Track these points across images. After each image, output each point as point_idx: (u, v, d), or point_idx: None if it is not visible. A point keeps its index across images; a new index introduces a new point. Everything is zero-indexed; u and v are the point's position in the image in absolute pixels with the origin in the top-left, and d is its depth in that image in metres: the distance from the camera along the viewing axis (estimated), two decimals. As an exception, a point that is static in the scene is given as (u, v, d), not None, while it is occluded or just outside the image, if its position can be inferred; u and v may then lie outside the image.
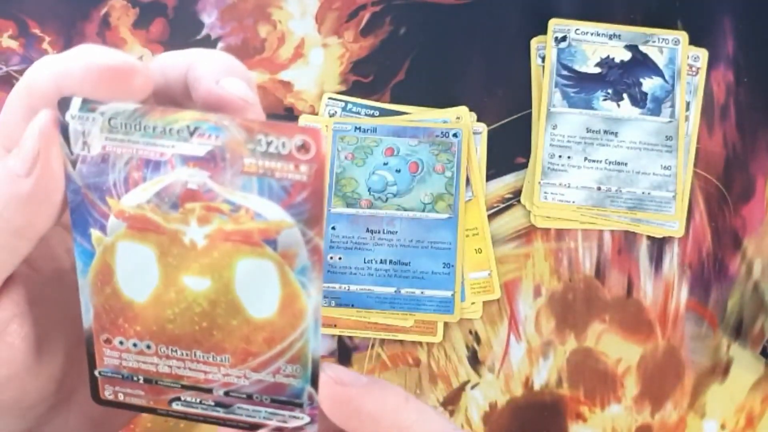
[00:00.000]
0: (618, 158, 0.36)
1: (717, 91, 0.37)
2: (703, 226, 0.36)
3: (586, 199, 0.36)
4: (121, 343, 0.22)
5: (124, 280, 0.21)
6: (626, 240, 0.36)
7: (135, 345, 0.22)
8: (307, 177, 0.18)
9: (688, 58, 0.37)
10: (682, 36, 0.37)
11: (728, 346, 0.36)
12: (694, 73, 0.37)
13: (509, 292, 0.36)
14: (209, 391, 0.22)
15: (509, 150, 0.36)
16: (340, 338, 0.35)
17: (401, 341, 0.35)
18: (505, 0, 0.37)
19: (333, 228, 0.35)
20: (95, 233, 0.21)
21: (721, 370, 0.36)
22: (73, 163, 0.20)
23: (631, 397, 0.35)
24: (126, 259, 0.21)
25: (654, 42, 0.36)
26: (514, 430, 0.35)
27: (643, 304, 0.36)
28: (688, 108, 0.36)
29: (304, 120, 0.36)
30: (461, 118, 0.36)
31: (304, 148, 0.18)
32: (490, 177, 0.36)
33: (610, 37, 0.36)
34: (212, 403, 0.22)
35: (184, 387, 0.22)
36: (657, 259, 0.36)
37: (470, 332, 0.35)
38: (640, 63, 0.36)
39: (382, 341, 0.35)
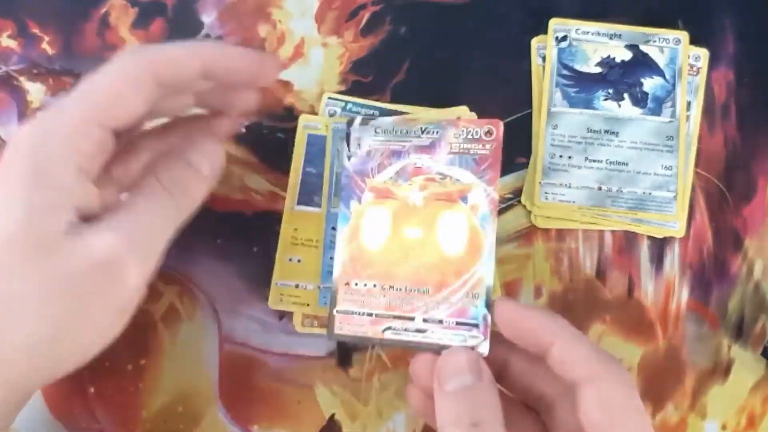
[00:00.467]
0: (619, 158, 0.36)
1: (718, 91, 0.37)
2: (704, 227, 0.36)
3: (586, 199, 0.35)
4: (356, 284, 0.30)
5: (366, 235, 0.30)
6: (627, 240, 0.36)
7: (365, 285, 0.30)
8: (489, 152, 0.29)
9: (689, 57, 0.37)
10: (683, 36, 0.37)
11: (729, 347, 0.36)
12: (695, 73, 0.37)
13: (510, 293, 0.36)
14: (412, 319, 0.29)
15: (509, 150, 0.36)
16: (340, 339, 0.35)
17: (401, 342, 0.35)
18: (505, 0, 0.37)
19: (333, 228, 0.35)
20: (354, 204, 0.30)
21: (722, 370, 0.35)
22: (349, 158, 0.31)
23: (631, 398, 0.35)
24: (370, 219, 0.30)
25: (655, 42, 0.36)
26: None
27: (644, 304, 0.36)
28: (689, 108, 0.36)
29: (304, 120, 0.36)
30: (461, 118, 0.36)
31: (489, 132, 0.29)
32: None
33: (611, 36, 0.36)
34: (413, 329, 0.29)
35: (395, 317, 0.29)
36: (658, 260, 0.36)
37: (470, 333, 0.35)
38: (641, 63, 0.36)
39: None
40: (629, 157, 0.36)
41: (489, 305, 0.28)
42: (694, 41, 0.37)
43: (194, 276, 0.35)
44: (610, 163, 0.36)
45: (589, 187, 0.36)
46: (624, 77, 0.36)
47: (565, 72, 0.36)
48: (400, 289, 0.29)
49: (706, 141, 0.37)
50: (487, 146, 0.29)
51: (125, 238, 0.25)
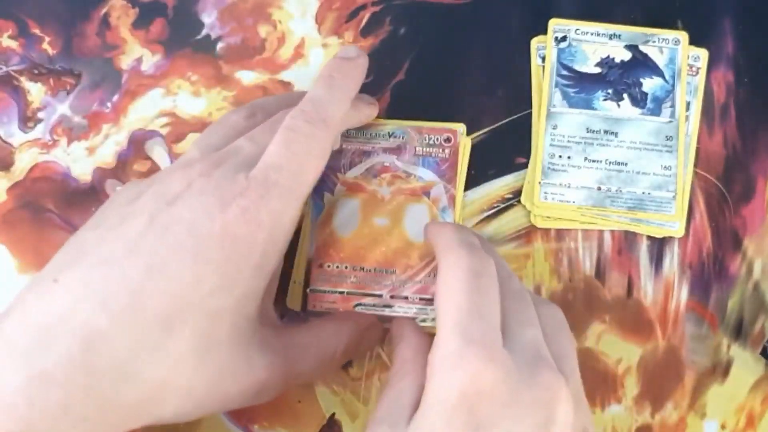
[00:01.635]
0: (618, 158, 0.36)
1: (717, 91, 0.37)
2: (703, 227, 0.36)
3: (586, 199, 0.36)
4: (328, 266, 0.34)
5: (337, 223, 0.34)
6: (626, 240, 0.36)
7: (337, 267, 0.34)
8: (448, 155, 0.34)
9: (688, 58, 0.37)
10: (683, 36, 0.37)
11: (728, 347, 0.36)
12: (694, 73, 0.37)
13: (509, 293, 0.36)
14: (380, 296, 0.34)
15: (509, 150, 0.36)
16: (340, 338, 0.35)
17: (401, 341, 0.35)
18: (505, 0, 0.37)
19: (333, 228, 0.35)
20: (327, 195, 0.35)
21: (721, 370, 0.36)
22: None
23: (631, 398, 0.35)
24: (341, 208, 0.34)
25: (654, 42, 0.36)
26: (514, 430, 0.35)
27: (644, 304, 0.36)
28: (688, 108, 0.36)
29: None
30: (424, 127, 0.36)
31: (448, 139, 0.35)
32: (490, 177, 0.36)
33: (611, 37, 0.36)
34: (381, 305, 0.34)
35: (364, 294, 0.34)
36: (657, 260, 0.36)
37: (470, 332, 0.35)
38: (641, 63, 0.36)
39: (382, 341, 0.35)
40: (629, 157, 0.36)
41: None
42: (694, 41, 0.37)
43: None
44: (610, 163, 0.36)
45: (589, 187, 0.36)
46: (623, 77, 0.36)
47: (564, 72, 0.36)
48: (369, 270, 0.34)
49: (706, 141, 0.37)
50: (447, 150, 0.34)
51: None
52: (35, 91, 0.37)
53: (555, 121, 0.36)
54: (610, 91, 0.36)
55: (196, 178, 0.27)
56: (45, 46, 0.38)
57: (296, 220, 0.28)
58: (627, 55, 0.36)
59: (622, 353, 0.35)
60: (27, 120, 0.37)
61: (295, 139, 0.28)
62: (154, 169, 0.37)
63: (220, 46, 0.38)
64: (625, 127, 0.36)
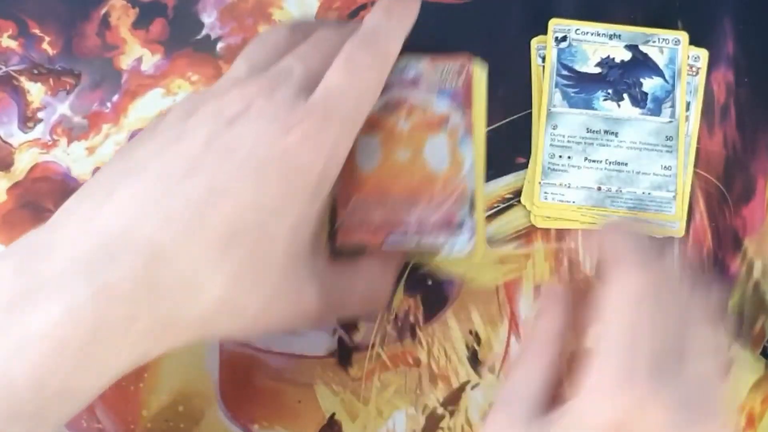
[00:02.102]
0: (618, 158, 0.36)
1: (717, 91, 0.37)
2: (703, 227, 0.36)
3: (586, 199, 0.36)
4: (354, 202, 0.34)
5: (359, 160, 0.34)
6: (626, 240, 0.36)
7: (363, 202, 0.33)
8: (463, 83, 0.34)
9: (688, 58, 0.37)
10: (683, 36, 0.37)
11: (728, 347, 0.36)
12: (694, 74, 0.37)
13: (510, 293, 0.36)
14: (408, 227, 0.33)
15: (509, 150, 0.36)
16: (340, 338, 0.35)
17: (401, 342, 0.35)
18: (505, 0, 0.37)
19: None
20: None
21: (721, 370, 0.35)
22: None
23: (631, 398, 0.35)
24: (362, 145, 0.34)
25: (654, 42, 0.36)
26: (515, 430, 0.35)
27: (644, 304, 0.36)
28: (688, 108, 0.36)
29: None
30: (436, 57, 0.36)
31: (462, 67, 0.34)
32: (490, 177, 0.36)
33: (611, 37, 0.36)
34: (409, 235, 0.33)
35: (392, 226, 0.33)
36: (657, 260, 0.36)
37: (470, 332, 0.35)
38: (641, 63, 0.36)
39: (382, 341, 0.35)
40: (629, 157, 0.36)
41: (472, 209, 0.34)
42: (694, 41, 0.37)
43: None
44: (610, 163, 0.36)
45: (589, 187, 0.36)
46: (623, 77, 0.36)
47: (564, 72, 0.36)
48: (395, 203, 0.33)
49: (706, 141, 0.37)
50: (461, 79, 0.34)
51: None
52: (35, 91, 0.37)
53: (555, 121, 0.36)
54: (610, 91, 0.36)
55: (254, 99, 0.27)
56: (45, 46, 0.38)
57: (349, 149, 0.29)
58: (627, 55, 0.36)
59: (622, 353, 0.35)
60: (27, 120, 0.37)
61: (355, 68, 0.28)
62: (154, 169, 0.37)
63: (220, 46, 0.38)
64: (625, 127, 0.36)
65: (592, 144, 0.36)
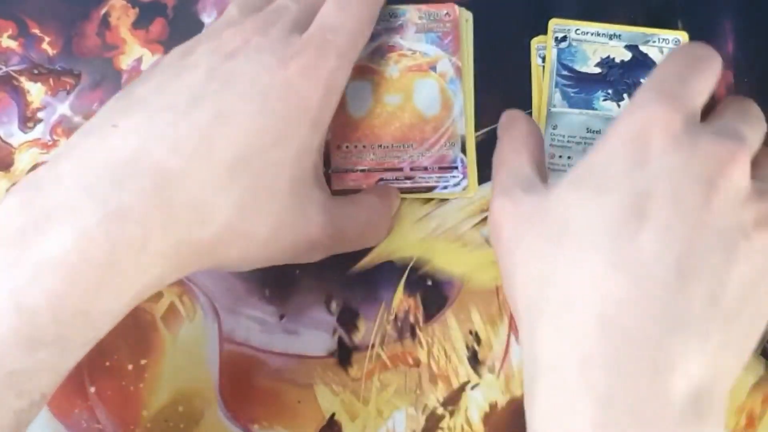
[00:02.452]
0: None
1: (717, 91, 0.37)
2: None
3: (586, 199, 0.35)
4: (346, 146, 0.35)
5: (351, 105, 0.35)
6: (626, 240, 0.36)
7: (355, 146, 0.35)
8: (450, 28, 0.36)
9: (688, 58, 0.37)
10: (683, 36, 0.37)
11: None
12: (694, 74, 0.37)
13: (509, 293, 0.36)
14: (401, 169, 0.35)
15: (509, 150, 0.36)
16: (340, 338, 0.35)
17: (401, 342, 0.35)
18: (505, 0, 0.37)
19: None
20: None
21: (721, 370, 0.35)
22: None
23: (631, 398, 0.35)
24: (353, 91, 0.35)
25: (654, 42, 0.36)
26: (515, 430, 0.35)
27: (644, 304, 0.36)
28: (688, 108, 0.36)
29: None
30: (422, 4, 0.36)
31: (448, 14, 0.36)
32: (489, 177, 0.36)
33: (611, 37, 0.36)
34: (403, 178, 0.35)
35: (386, 170, 0.35)
36: (657, 260, 0.36)
37: (470, 332, 0.35)
38: (641, 63, 0.36)
39: (382, 341, 0.35)
40: (629, 157, 0.36)
41: (463, 150, 0.35)
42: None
43: (195, 276, 0.36)
44: None
45: None
46: (624, 77, 0.36)
47: (564, 72, 0.36)
48: (387, 147, 0.35)
49: (706, 141, 0.37)
50: (448, 24, 0.35)
51: None
52: (35, 91, 0.37)
53: (555, 121, 0.36)
54: (610, 91, 0.36)
55: (251, 36, 0.29)
56: (45, 46, 0.38)
57: (346, 80, 0.30)
58: (627, 56, 0.36)
59: (622, 353, 0.35)
60: (27, 120, 0.37)
61: (348, 3, 0.30)
62: (154, 169, 0.37)
63: (220, 46, 0.38)
64: None
65: (592, 144, 0.36)
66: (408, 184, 0.35)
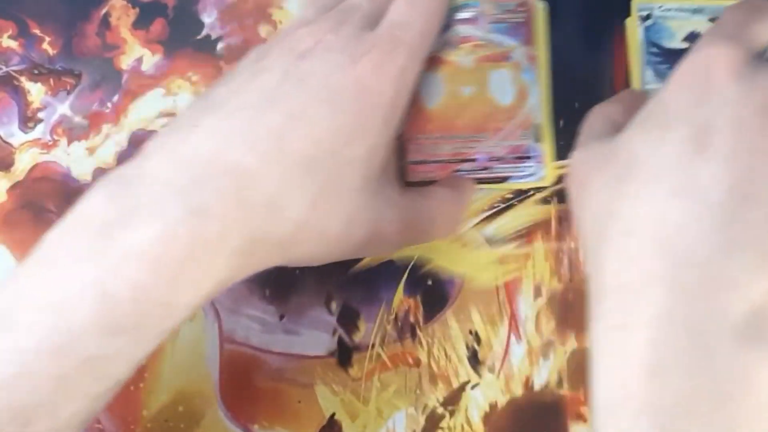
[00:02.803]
0: None
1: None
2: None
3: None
4: (421, 138, 0.35)
5: (424, 96, 0.35)
6: (627, 240, 0.36)
7: (429, 138, 0.35)
8: (523, 19, 0.35)
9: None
10: (765, 4, 0.37)
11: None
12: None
13: (509, 293, 0.36)
14: (475, 160, 0.35)
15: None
16: (340, 338, 0.35)
17: (401, 342, 0.35)
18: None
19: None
20: None
21: (721, 370, 0.35)
22: None
23: (631, 398, 0.35)
24: (426, 82, 0.35)
25: None
26: (515, 430, 0.35)
27: (644, 304, 0.36)
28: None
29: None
30: None
31: (521, 4, 0.35)
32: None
33: (693, 12, 0.37)
34: (478, 168, 0.35)
35: (461, 160, 0.35)
36: (657, 260, 0.36)
37: (470, 332, 0.35)
38: None
39: (382, 341, 0.35)
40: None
41: (539, 139, 0.35)
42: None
43: (195, 276, 0.36)
44: None
45: None
46: None
47: (653, 50, 0.36)
48: (462, 138, 0.35)
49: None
50: (521, 14, 0.35)
51: None
52: (35, 91, 0.37)
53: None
54: None
55: (323, 35, 0.29)
56: (45, 46, 0.38)
57: (417, 75, 0.31)
58: None
59: (623, 353, 0.35)
60: (27, 120, 0.37)
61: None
62: (155, 169, 0.37)
63: (220, 46, 0.38)
64: None
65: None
66: (483, 174, 0.35)
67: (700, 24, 0.36)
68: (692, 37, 0.36)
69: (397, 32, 0.30)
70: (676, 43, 0.37)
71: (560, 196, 0.36)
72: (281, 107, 0.27)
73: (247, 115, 0.27)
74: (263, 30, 0.38)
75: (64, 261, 0.25)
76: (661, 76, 0.36)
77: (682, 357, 0.23)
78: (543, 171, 0.35)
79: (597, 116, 0.33)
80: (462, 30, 0.35)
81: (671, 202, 0.25)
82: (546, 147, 0.35)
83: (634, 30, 0.37)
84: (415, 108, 0.35)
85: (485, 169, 0.35)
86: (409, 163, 0.35)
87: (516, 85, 0.35)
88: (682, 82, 0.27)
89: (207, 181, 0.26)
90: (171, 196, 0.26)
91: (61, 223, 0.26)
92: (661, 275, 0.24)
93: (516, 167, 0.35)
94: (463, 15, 0.35)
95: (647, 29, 0.37)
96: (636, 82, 0.36)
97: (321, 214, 0.28)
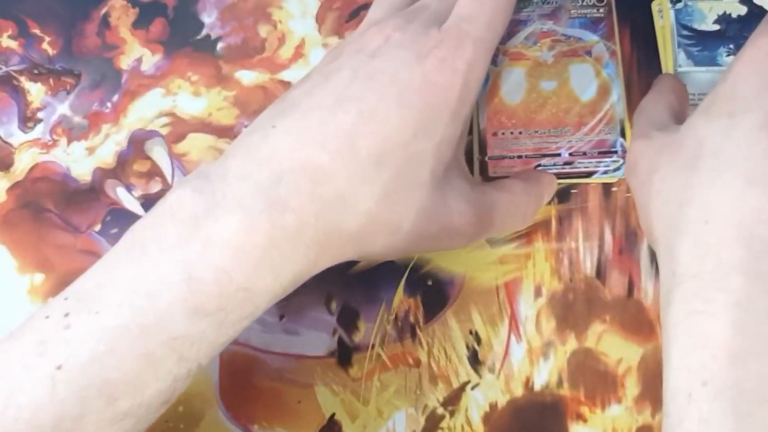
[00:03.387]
0: None
1: None
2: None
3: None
4: (502, 133, 0.36)
5: (505, 92, 0.36)
6: (627, 240, 0.36)
7: (511, 133, 0.36)
8: (604, 14, 0.36)
9: (803, 3, 0.37)
10: (795, -16, 0.37)
11: None
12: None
13: (509, 293, 0.36)
14: (559, 155, 0.35)
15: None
16: (340, 338, 0.35)
17: (401, 342, 0.35)
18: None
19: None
20: (490, 66, 0.36)
21: (722, 370, 0.35)
22: None
23: (631, 398, 0.35)
24: (507, 77, 0.36)
25: None
26: (515, 430, 0.35)
27: (644, 304, 0.36)
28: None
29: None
30: None
31: (601, 0, 0.36)
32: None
33: None
34: (561, 163, 0.35)
35: (543, 155, 0.35)
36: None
37: (470, 332, 0.35)
38: (757, 15, 0.37)
39: (382, 341, 0.35)
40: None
41: (623, 134, 0.35)
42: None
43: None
44: None
45: None
46: (742, 32, 0.37)
47: (685, 32, 0.37)
48: (543, 132, 0.35)
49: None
50: (601, 10, 0.36)
51: None
52: (35, 91, 0.37)
53: (684, 81, 0.36)
54: (732, 46, 0.37)
55: (392, 33, 0.30)
56: (45, 46, 0.38)
57: (486, 70, 0.31)
58: (743, 10, 0.37)
59: (623, 353, 0.35)
60: (27, 120, 0.37)
61: None
62: (155, 169, 0.37)
63: (220, 45, 0.38)
64: None
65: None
66: (567, 169, 0.35)
67: (731, 6, 0.37)
68: (724, 19, 0.37)
69: (465, 27, 0.30)
70: (708, 26, 0.37)
71: (560, 196, 0.36)
72: (351, 106, 0.28)
73: (319, 115, 0.28)
74: (263, 30, 0.38)
75: (152, 247, 0.26)
76: (694, 58, 0.37)
77: (765, 343, 0.24)
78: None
79: (653, 105, 0.33)
80: (542, 24, 0.36)
81: (747, 190, 0.25)
82: (628, 141, 0.35)
83: (666, 13, 0.37)
84: (495, 103, 0.35)
85: (569, 164, 0.35)
86: (489, 158, 0.35)
87: (598, 79, 0.36)
88: (745, 69, 0.28)
89: (283, 177, 0.27)
90: (251, 190, 0.27)
91: (148, 214, 0.28)
92: (741, 262, 0.25)
93: (600, 162, 0.35)
94: (543, 9, 0.36)
95: (678, 12, 0.37)
96: (668, 65, 0.36)
97: (392, 207, 0.29)
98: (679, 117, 0.32)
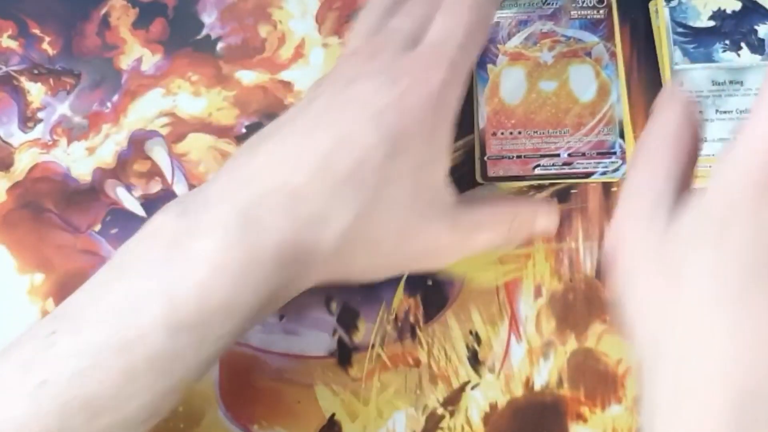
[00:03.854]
0: (748, 106, 0.36)
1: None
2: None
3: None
4: (501, 133, 0.36)
5: (505, 92, 0.36)
6: (627, 240, 0.36)
7: (510, 133, 0.35)
8: (604, 15, 0.36)
9: (798, -1, 0.37)
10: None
11: None
12: (806, 11, 0.37)
13: (510, 293, 0.36)
14: (558, 155, 0.35)
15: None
16: (340, 338, 0.35)
17: (401, 342, 0.35)
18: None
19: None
20: (490, 66, 0.36)
21: (722, 370, 0.35)
22: None
23: (631, 398, 0.35)
24: (507, 78, 0.36)
25: None
26: (515, 430, 0.35)
27: (644, 304, 0.36)
28: (807, 45, 0.37)
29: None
30: None
31: (600, 1, 0.36)
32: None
33: None
34: (560, 164, 0.35)
35: (542, 156, 0.35)
36: (658, 260, 0.36)
37: (470, 332, 0.35)
38: (752, 10, 0.37)
39: (382, 341, 0.35)
40: (758, 103, 0.36)
41: (622, 135, 0.35)
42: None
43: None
44: (741, 111, 0.36)
45: (725, 138, 0.36)
46: (738, 27, 0.37)
47: (680, 30, 0.37)
48: (543, 133, 0.35)
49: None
50: (601, 11, 0.36)
51: None
52: (35, 91, 0.37)
53: (680, 79, 0.36)
54: (727, 42, 0.37)
55: (367, 60, 0.31)
56: (45, 46, 0.38)
57: (463, 89, 0.31)
58: (737, 5, 0.37)
59: (623, 353, 0.35)
60: (27, 120, 0.37)
61: (459, 12, 0.31)
62: (154, 169, 0.37)
63: (220, 45, 0.38)
64: (749, 74, 0.36)
65: (720, 96, 0.36)
66: (566, 170, 0.35)
67: (725, 1, 0.37)
68: (719, 15, 0.37)
69: (438, 48, 0.30)
70: (703, 22, 0.37)
71: (560, 196, 0.36)
72: (327, 130, 0.29)
73: (299, 139, 0.29)
74: (263, 30, 0.38)
75: (134, 266, 0.28)
76: (690, 55, 0.37)
77: None
78: (625, 167, 0.35)
79: (644, 192, 0.28)
80: (542, 25, 0.36)
81: (732, 336, 0.23)
82: (628, 142, 0.36)
83: (660, 11, 0.37)
84: (495, 103, 0.36)
85: (567, 164, 0.35)
86: (489, 158, 0.36)
87: (598, 80, 0.36)
88: (736, 191, 0.24)
89: (261, 197, 0.28)
90: (231, 209, 0.28)
91: (132, 237, 0.29)
92: (720, 411, 0.23)
93: (599, 163, 0.35)
94: (543, 11, 0.36)
95: (672, 10, 0.37)
96: (665, 63, 0.36)
97: (369, 227, 0.29)
98: (685, 178, 0.28)
